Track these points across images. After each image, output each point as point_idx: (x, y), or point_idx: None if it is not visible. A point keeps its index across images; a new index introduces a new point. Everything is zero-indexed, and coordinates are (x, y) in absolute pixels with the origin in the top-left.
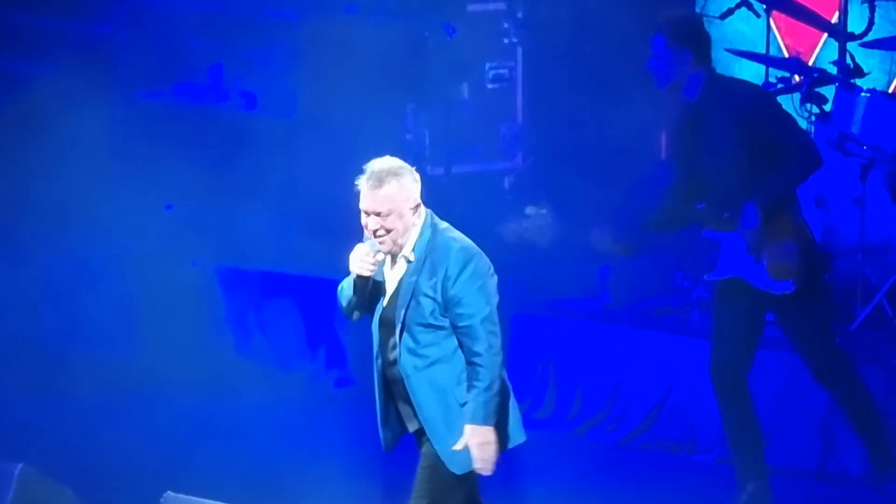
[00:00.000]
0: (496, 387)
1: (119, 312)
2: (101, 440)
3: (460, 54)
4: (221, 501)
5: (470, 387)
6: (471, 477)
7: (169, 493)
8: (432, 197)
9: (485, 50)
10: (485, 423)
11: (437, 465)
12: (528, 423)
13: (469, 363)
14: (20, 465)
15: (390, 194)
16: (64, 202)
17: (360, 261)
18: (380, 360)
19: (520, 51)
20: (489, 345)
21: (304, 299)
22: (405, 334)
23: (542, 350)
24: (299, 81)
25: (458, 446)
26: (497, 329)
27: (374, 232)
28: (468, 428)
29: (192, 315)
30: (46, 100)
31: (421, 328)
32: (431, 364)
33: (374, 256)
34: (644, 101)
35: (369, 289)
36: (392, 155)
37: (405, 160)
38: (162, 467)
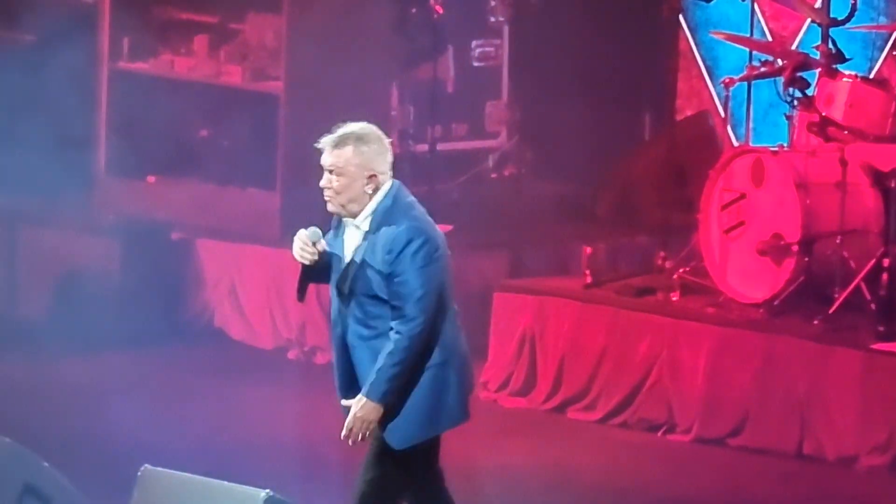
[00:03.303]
0: (405, 370)
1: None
2: (78, 413)
3: (447, 31)
4: (199, 475)
5: (382, 359)
6: (419, 455)
7: (147, 466)
8: (417, 174)
9: (471, 27)
10: (376, 399)
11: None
12: (508, 401)
13: (391, 338)
14: None
15: (343, 155)
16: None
17: (300, 249)
18: (338, 328)
19: (506, 29)
20: (414, 328)
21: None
22: (353, 303)
23: (522, 328)
24: (288, 55)
25: (345, 403)
26: (428, 314)
27: (324, 189)
28: (360, 396)
29: (170, 286)
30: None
31: (368, 299)
32: (377, 336)
33: (313, 246)
34: (628, 81)
35: (311, 276)
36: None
37: (390, 137)
38: (139, 441)
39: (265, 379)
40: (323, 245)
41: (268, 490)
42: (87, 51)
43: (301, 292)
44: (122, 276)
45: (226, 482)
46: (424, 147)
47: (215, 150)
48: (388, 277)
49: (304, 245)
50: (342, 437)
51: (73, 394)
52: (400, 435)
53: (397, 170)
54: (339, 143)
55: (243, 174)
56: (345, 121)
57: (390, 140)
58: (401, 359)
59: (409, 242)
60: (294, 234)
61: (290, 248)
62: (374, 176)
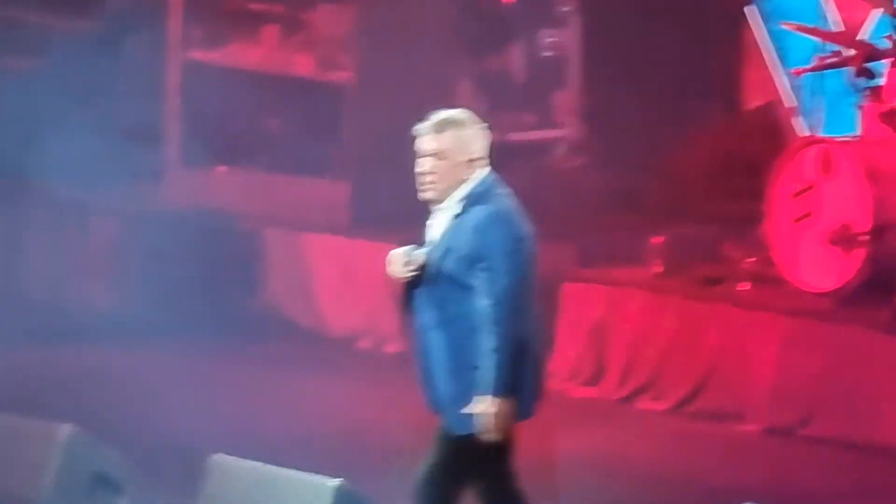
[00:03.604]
0: (508, 354)
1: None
2: (148, 402)
3: (515, 22)
4: (269, 464)
5: (482, 352)
6: (484, 447)
7: (217, 454)
8: None
9: (540, 18)
10: (492, 392)
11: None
12: (577, 391)
13: (484, 328)
14: (67, 427)
15: (444, 140)
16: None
17: (402, 267)
18: (419, 314)
19: (575, 19)
20: (504, 311)
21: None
22: (435, 287)
23: (591, 318)
24: (357, 46)
25: (466, 410)
26: (516, 299)
27: (422, 175)
28: (482, 397)
29: (239, 276)
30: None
31: (449, 283)
32: (452, 320)
33: (409, 265)
34: (697, 72)
35: (414, 287)
36: None
37: None
38: (209, 430)
39: (335, 368)
40: (420, 260)
41: (338, 479)
42: (157, 41)
43: (407, 307)
44: (192, 266)
45: (296, 471)
46: (493, 137)
47: (285, 139)
48: (474, 261)
49: (405, 262)
50: (483, 439)
51: (142, 383)
52: (462, 420)
53: None
54: (440, 128)
55: (313, 164)
56: (413, 110)
57: (486, 125)
58: (500, 344)
59: (497, 227)
60: (363, 225)
61: (360, 237)
62: (474, 160)
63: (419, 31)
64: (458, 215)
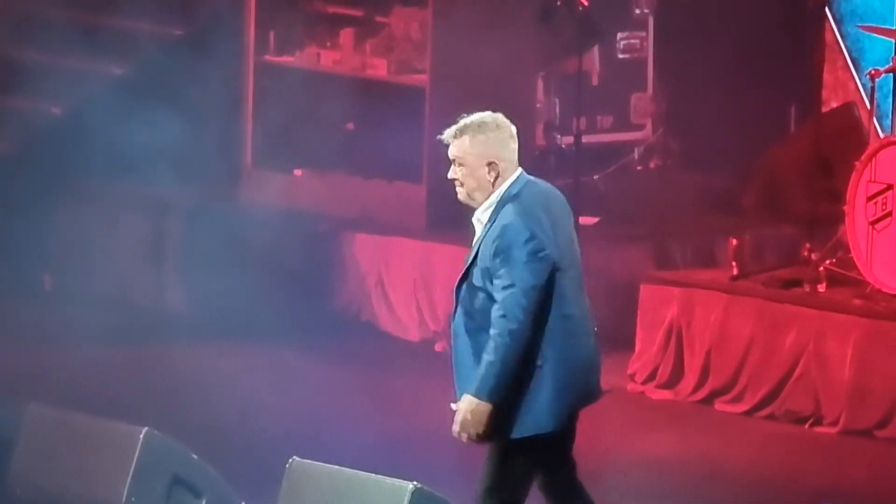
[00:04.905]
0: (508, 367)
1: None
2: (226, 404)
3: (592, 23)
4: (347, 468)
5: (484, 356)
6: (519, 451)
7: (295, 458)
8: (562, 166)
9: (616, 19)
10: (485, 397)
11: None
12: (655, 393)
13: (490, 334)
14: (145, 429)
15: (461, 145)
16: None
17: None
18: (452, 319)
19: (651, 21)
20: (511, 322)
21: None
22: (466, 294)
23: (669, 320)
24: (433, 48)
25: (453, 406)
26: (527, 311)
27: (453, 180)
28: (465, 395)
29: (317, 278)
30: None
31: (477, 291)
32: (479, 329)
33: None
34: (774, 73)
35: None
36: (522, 124)
37: (535, 129)
38: (287, 433)
39: (412, 371)
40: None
41: (415, 482)
42: (233, 45)
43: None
44: (269, 269)
45: (373, 474)
46: (570, 139)
47: (361, 142)
48: (491, 270)
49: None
50: (454, 435)
51: (220, 386)
52: (499, 428)
53: (543, 162)
54: (458, 134)
55: (389, 167)
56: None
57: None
58: (500, 355)
59: (514, 236)
60: (440, 227)
61: (437, 240)
62: (494, 163)
63: (495, 34)
64: (487, 223)
